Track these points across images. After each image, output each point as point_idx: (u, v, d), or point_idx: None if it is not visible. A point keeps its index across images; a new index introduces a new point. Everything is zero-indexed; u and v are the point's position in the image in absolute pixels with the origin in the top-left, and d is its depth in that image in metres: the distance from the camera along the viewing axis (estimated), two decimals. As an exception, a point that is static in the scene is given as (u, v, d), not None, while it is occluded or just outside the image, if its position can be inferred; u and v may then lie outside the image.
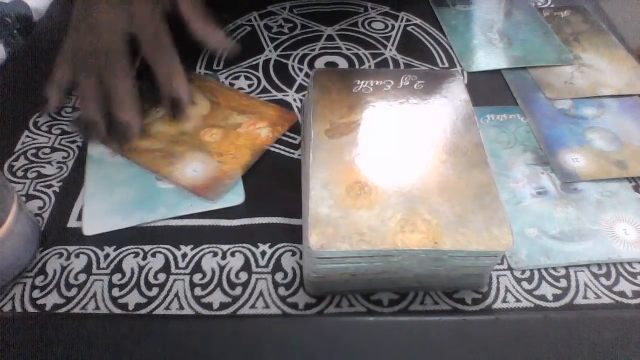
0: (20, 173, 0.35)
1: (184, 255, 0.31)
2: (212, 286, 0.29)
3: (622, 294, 0.30)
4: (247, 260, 0.31)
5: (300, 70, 0.45)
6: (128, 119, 0.36)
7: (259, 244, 0.32)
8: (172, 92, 0.37)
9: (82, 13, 0.38)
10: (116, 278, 0.30)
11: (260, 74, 0.44)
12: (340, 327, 0.28)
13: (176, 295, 0.29)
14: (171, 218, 0.33)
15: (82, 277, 0.30)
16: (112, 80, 0.36)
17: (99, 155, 0.36)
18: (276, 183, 0.35)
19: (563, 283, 0.30)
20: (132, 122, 0.36)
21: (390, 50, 0.47)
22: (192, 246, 0.31)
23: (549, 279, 0.30)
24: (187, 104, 0.38)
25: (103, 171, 0.35)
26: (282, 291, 0.29)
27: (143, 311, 0.28)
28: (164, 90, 0.37)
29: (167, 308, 0.28)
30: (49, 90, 0.38)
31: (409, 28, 0.50)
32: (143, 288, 0.29)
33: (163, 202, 0.33)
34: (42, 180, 0.35)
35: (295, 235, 0.32)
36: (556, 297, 0.29)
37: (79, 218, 0.33)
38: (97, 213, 0.33)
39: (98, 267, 0.30)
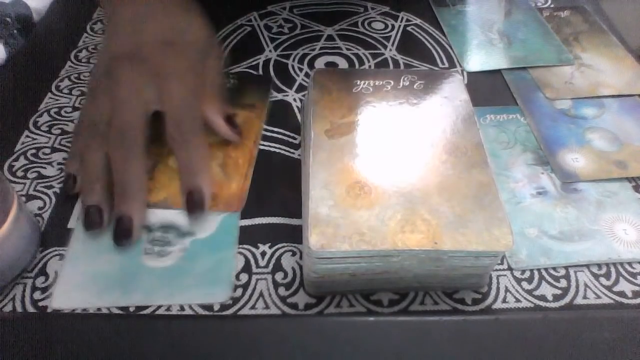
0: (20, 173, 0.35)
1: (184, 256, 0.31)
2: (212, 286, 0.29)
3: (622, 294, 0.30)
4: (247, 260, 0.31)
5: (300, 70, 0.45)
6: (132, 214, 0.30)
7: (259, 244, 0.32)
8: (193, 185, 0.32)
9: (104, 80, 0.33)
10: (116, 278, 0.30)
11: (261, 74, 0.44)
12: (340, 327, 0.28)
13: (176, 295, 0.29)
14: (146, 305, 0.29)
15: (82, 277, 0.30)
16: (123, 165, 0.31)
17: None
18: (276, 183, 0.35)
19: (563, 283, 0.30)
20: (135, 218, 0.30)
21: (390, 50, 0.47)
22: (192, 246, 0.31)
23: (549, 279, 0.30)
24: (207, 201, 0.32)
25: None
26: (282, 291, 0.29)
27: (143, 311, 0.28)
28: (184, 180, 0.32)
29: (167, 309, 0.28)
30: (70, 166, 0.33)
31: (409, 28, 0.50)
32: (143, 288, 0.29)
33: (142, 284, 0.29)
34: (43, 180, 0.35)
35: (295, 235, 0.32)
36: (556, 297, 0.29)
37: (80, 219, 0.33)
38: (70, 283, 0.29)
39: (98, 268, 0.30)
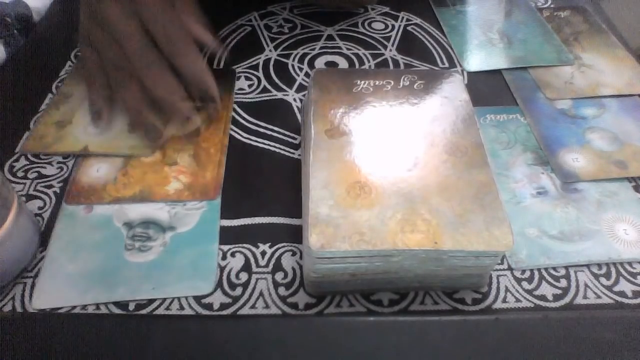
0: (20, 173, 0.35)
1: (184, 256, 0.31)
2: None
3: (622, 294, 0.30)
4: (247, 260, 0.31)
5: (301, 69, 0.45)
6: (175, 99, 0.35)
7: (259, 244, 0.32)
8: (201, 84, 0.36)
9: (88, 13, 0.36)
10: (116, 278, 0.30)
11: (261, 74, 0.44)
12: (340, 327, 0.28)
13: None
14: (129, 300, 0.29)
15: (82, 277, 0.30)
16: (161, 78, 0.34)
17: (72, 210, 0.33)
18: (276, 183, 0.35)
19: (563, 283, 0.30)
20: (178, 102, 0.35)
21: (390, 50, 0.47)
22: (192, 246, 0.31)
23: (549, 279, 0.30)
24: (218, 94, 0.37)
25: (72, 231, 0.32)
26: (282, 291, 0.29)
27: (143, 311, 0.28)
28: (193, 84, 0.36)
29: (167, 308, 0.28)
30: (96, 105, 0.37)
31: (409, 28, 0.50)
32: (143, 288, 0.29)
33: (124, 279, 0.29)
34: (43, 180, 0.35)
35: (295, 235, 0.32)
36: (556, 297, 0.29)
37: (79, 218, 0.33)
38: (51, 282, 0.29)
39: (98, 267, 0.30)
